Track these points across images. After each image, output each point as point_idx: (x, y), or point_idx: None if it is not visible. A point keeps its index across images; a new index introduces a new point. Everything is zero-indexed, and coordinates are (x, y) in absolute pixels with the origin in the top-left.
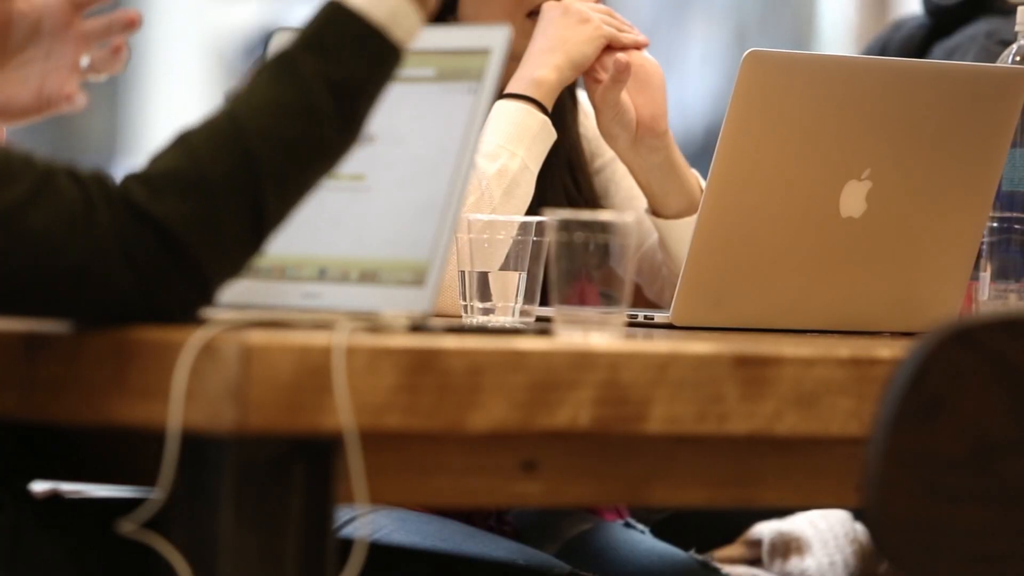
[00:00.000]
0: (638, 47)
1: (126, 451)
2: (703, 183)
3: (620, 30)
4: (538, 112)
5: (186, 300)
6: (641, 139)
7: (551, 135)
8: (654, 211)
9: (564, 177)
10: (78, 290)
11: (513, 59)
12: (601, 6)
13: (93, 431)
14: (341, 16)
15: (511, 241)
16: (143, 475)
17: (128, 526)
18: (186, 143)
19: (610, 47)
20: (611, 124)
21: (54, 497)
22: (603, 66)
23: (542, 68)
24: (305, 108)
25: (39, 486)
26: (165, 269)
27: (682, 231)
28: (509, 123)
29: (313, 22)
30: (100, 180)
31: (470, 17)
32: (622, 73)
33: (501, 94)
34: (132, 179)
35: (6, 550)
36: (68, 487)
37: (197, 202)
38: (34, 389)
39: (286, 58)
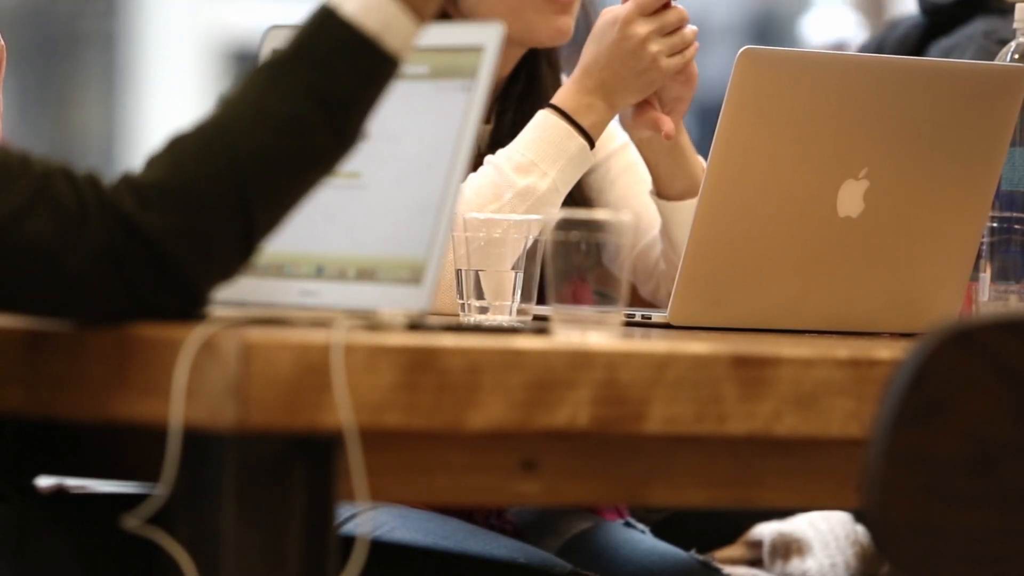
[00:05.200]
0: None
1: (129, 447)
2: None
3: (682, 49)
4: (580, 138)
5: (177, 309)
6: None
7: (587, 162)
8: (658, 192)
9: None
10: (72, 298)
11: (519, 44)
12: (671, 40)
13: (96, 427)
14: (333, 24)
15: (509, 240)
16: (146, 471)
17: (132, 521)
18: (176, 152)
19: None
20: (637, 131)
21: (59, 492)
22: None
23: (600, 100)
24: (293, 120)
25: (44, 481)
26: (155, 280)
27: (684, 214)
28: (548, 140)
29: (304, 29)
30: (95, 185)
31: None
32: (668, 136)
33: (547, 103)
34: (124, 186)
35: (12, 545)
36: (73, 482)
37: (185, 215)
38: (37, 386)
39: (276, 67)
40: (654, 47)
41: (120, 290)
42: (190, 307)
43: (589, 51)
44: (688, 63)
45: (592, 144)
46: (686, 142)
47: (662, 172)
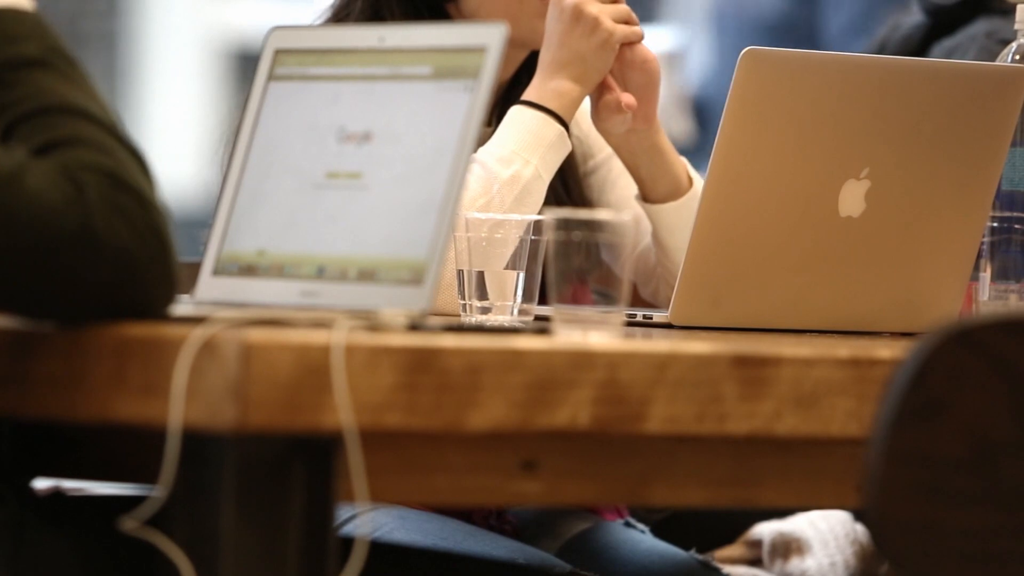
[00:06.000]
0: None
1: (127, 448)
2: (691, 169)
3: (629, 21)
4: (556, 123)
5: (163, 235)
6: (632, 130)
7: (566, 146)
8: (643, 196)
9: (554, 180)
10: (83, 248)
11: (522, 46)
12: (613, 7)
13: (94, 428)
14: None
15: (510, 240)
16: (145, 472)
17: (130, 523)
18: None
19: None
20: (607, 123)
21: (56, 494)
22: (613, 75)
23: (564, 81)
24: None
25: (41, 483)
26: (145, 215)
27: (669, 217)
28: (525, 131)
29: None
30: (69, 155)
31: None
32: (628, 107)
33: (519, 99)
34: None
35: (9, 547)
36: (70, 484)
37: (122, 163)
38: (33, 386)
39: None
40: (592, 9)
41: (124, 233)
42: (165, 228)
43: (543, 45)
44: (636, 35)
45: (567, 128)
46: (665, 143)
47: (643, 175)
